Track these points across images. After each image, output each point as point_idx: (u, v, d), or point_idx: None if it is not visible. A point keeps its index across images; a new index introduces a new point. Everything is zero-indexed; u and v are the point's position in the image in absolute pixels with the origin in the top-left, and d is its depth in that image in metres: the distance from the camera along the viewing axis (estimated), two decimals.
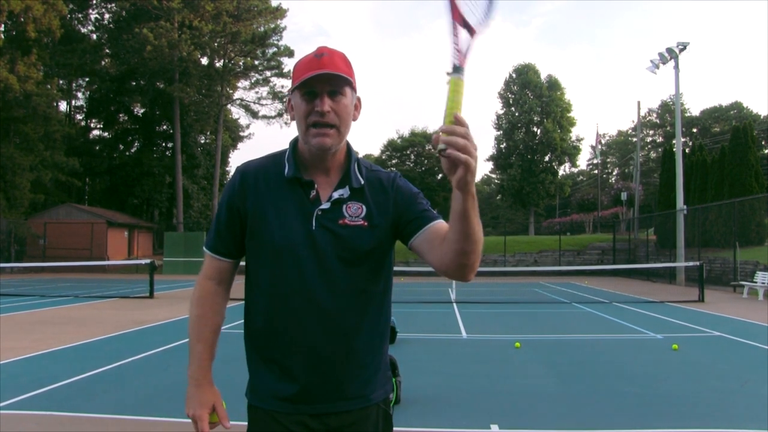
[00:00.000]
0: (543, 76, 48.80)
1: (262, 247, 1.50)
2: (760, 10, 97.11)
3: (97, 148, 44.62)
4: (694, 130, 58.25)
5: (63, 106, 43.49)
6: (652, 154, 60.42)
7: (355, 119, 1.53)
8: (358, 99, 1.54)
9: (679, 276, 21.93)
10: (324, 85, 1.41)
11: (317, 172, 1.52)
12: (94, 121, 46.86)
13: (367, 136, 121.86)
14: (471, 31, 1.22)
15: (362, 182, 1.51)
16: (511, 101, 49.11)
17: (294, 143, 1.55)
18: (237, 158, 62.42)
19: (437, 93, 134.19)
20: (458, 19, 1.22)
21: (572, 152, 49.43)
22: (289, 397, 1.48)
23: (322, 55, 1.42)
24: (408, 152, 56.52)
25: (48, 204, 36.71)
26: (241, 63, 41.38)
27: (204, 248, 1.60)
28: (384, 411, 1.57)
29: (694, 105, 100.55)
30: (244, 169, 1.55)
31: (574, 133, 49.39)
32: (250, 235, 1.51)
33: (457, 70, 1.19)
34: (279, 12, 40.90)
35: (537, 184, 46.79)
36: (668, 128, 56.59)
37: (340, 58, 1.45)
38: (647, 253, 27.11)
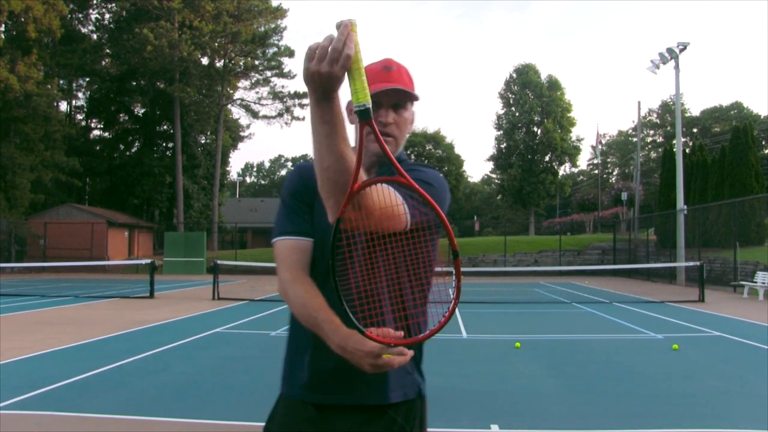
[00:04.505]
0: (543, 76, 48.81)
1: (317, 234, 1.53)
2: (760, 10, 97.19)
3: (98, 148, 44.57)
4: (695, 130, 58.27)
5: (63, 106, 43.49)
6: (653, 154, 60.43)
7: (408, 132, 1.59)
8: (412, 113, 1.59)
9: (679, 276, 21.92)
10: (390, 98, 1.48)
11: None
12: (94, 121, 46.83)
13: None
14: None
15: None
16: (511, 101, 49.10)
17: None
18: (237, 158, 62.54)
19: (437, 93, 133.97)
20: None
21: (572, 152, 49.41)
22: (304, 384, 1.51)
23: (390, 68, 1.49)
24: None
25: (48, 204, 36.66)
26: (241, 63, 41.40)
27: (276, 238, 1.53)
28: (400, 425, 1.51)
29: (695, 105, 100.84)
30: (303, 165, 1.57)
31: (575, 133, 49.45)
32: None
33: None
34: (279, 12, 40.92)
35: (537, 184, 46.78)
36: (668, 128, 56.61)
37: (406, 73, 1.52)
38: (647, 253, 27.10)
